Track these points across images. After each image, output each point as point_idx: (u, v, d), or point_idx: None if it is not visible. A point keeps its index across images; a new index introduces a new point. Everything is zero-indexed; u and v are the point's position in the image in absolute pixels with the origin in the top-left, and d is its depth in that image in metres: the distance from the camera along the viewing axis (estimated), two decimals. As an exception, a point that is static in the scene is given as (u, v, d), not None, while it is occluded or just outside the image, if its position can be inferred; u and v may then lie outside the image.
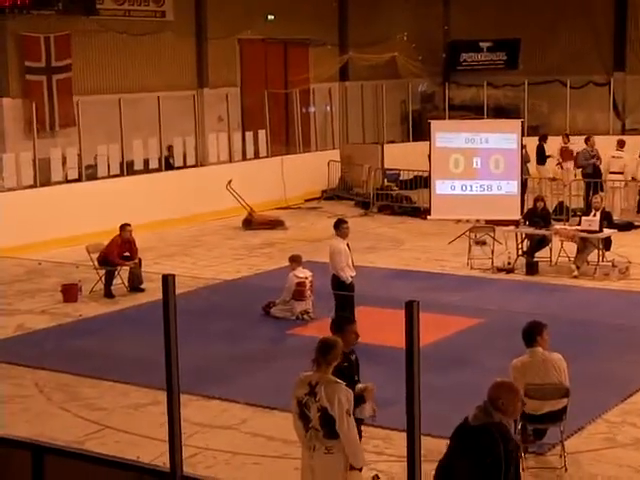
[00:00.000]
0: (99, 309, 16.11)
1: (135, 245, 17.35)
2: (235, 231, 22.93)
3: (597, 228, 17.85)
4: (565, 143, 25.52)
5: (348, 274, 13.68)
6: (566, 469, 9.42)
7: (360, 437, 7.77)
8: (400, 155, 27.61)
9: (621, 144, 23.81)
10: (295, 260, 15.45)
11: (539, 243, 18.35)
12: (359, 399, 7.94)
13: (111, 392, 11.94)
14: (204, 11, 27.50)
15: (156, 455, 8.67)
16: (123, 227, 17.16)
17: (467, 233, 19.33)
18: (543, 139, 25.97)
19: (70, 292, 16.54)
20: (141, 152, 23.46)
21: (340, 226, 13.87)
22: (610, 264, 17.70)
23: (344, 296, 13.37)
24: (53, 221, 20.58)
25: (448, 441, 6.48)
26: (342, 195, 27.49)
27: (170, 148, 24.46)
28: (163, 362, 6.15)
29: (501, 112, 31.20)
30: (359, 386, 8.20)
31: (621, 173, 23.00)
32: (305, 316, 14.98)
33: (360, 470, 7.58)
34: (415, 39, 32.88)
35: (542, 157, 25.67)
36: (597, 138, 24.62)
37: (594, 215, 18.19)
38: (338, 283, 13.63)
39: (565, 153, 25.28)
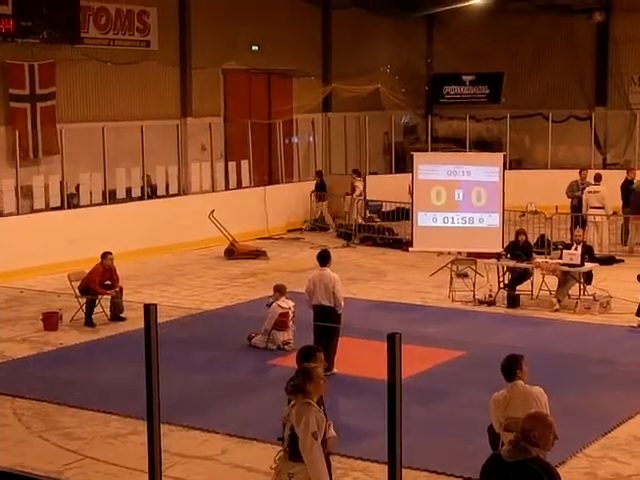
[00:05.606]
0: (80, 338, 16.02)
1: (116, 274, 17.30)
2: (217, 261, 22.90)
3: (578, 262, 17.91)
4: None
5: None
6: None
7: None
8: (382, 187, 27.67)
9: (597, 178, 23.76)
10: (280, 290, 15.43)
11: (521, 276, 18.38)
12: None
13: (91, 421, 11.86)
14: (188, 41, 27.54)
15: (135, 485, 8.63)
16: (104, 255, 17.11)
17: (449, 265, 19.35)
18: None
19: (51, 320, 16.46)
20: (124, 181, 23.45)
21: (330, 258, 13.92)
22: (591, 298, 17.72)
23: (329, 327, 13.32)
24: (35, 249, 20.50)
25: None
26: (324, 226, 27.53)
27: (147, 178, 24.34)
28: (144, 392, 6.13)
29: (483, 145, 31.37)
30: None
31: (601, 207, 23.02)
32: (286, 346, 14.94)
33: None
34: (398, 71, 33.03)
35: None
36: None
37: (575, 249, 18.26)
38: (327, 313, 13.52)
39: None
